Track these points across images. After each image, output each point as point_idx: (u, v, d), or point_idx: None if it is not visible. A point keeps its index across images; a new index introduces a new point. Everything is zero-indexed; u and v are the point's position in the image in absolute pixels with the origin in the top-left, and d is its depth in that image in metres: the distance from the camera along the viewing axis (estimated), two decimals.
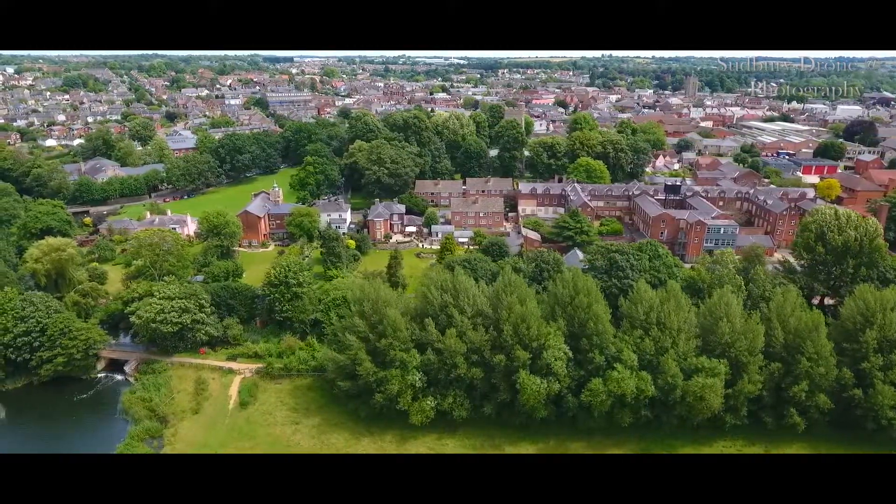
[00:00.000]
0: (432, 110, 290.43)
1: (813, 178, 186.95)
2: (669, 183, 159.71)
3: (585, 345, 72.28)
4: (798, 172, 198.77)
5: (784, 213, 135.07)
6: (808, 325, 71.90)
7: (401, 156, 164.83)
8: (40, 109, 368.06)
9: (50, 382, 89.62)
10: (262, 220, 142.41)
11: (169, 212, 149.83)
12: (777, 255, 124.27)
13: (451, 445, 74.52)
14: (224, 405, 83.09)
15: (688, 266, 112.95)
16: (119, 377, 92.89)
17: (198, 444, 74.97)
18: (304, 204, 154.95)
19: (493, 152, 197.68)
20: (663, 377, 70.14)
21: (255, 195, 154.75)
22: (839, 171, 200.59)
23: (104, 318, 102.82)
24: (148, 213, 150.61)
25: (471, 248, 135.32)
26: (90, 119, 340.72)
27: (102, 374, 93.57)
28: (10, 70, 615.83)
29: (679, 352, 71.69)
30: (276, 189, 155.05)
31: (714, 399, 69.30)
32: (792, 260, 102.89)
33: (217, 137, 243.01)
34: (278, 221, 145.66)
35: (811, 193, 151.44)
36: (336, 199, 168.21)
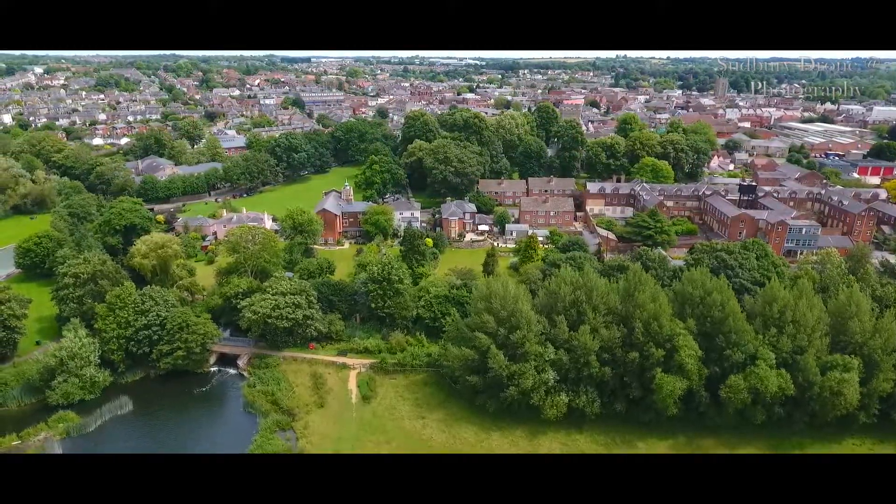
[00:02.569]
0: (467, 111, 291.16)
1: (874, 180, 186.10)
2: (734, 183, 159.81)
3: (721, 342, 72.93)
4: (854, 174, 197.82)
5: (863, 213, 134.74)
6: None
7: (466, 155, 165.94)
8: (79, 109, 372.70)
9: (165, 376, 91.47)
10: (338, 219, 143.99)
11: (244, 209, 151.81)
12: None
13: (580, 441, 75.40)
14: (346, 399, 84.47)
15: None
16: (232, 371, 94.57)
17: (332, 438, 76.36)
18: (371, 203, 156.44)
19: (549, 151, 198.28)
20: (802, 374, 70.63)
21: (326, 193, 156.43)
22: (895, 171, 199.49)
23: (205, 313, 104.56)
24: (224, 211, 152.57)
25: (546, 246, 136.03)
26: (130, 118, 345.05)
27: (215, 369, 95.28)
28: (38, 70, 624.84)
29: (815, 350, 72.08)
30: (348, 188, 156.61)
31: (852, 394, 69.69)
32: (892, 259, 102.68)
33: (265, 137, 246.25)
34: (351, 220, 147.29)
35: (883, 194, 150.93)
36: (397, 198, 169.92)
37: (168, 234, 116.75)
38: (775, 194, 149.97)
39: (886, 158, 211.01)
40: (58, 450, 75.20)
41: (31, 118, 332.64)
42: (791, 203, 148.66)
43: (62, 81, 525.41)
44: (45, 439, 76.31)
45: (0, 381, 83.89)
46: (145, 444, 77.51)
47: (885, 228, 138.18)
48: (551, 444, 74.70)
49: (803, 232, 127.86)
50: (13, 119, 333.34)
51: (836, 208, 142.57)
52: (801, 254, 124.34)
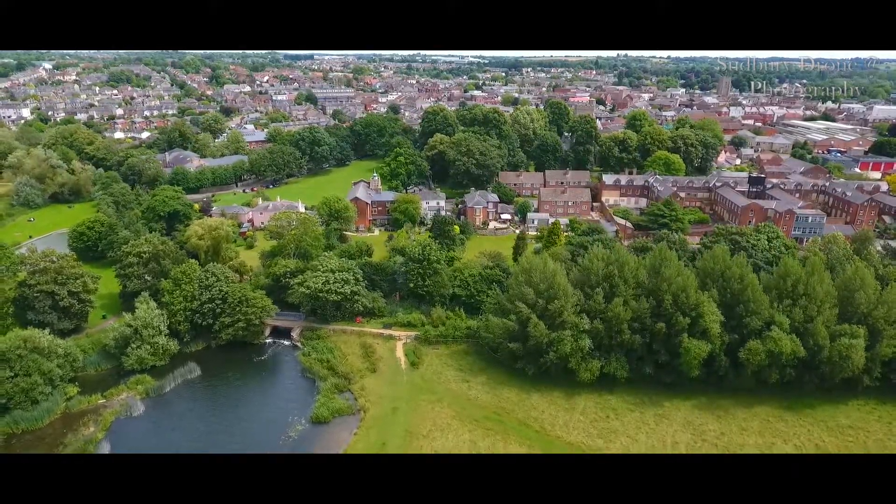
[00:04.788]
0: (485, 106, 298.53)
1: (875, 174, 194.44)
2: (743, 176, 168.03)
3: (741, 311, 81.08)
4: (856, 168, 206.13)
5: (865, 204, 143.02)
6: None
7: (486, 148, 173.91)
8: (95, 104, 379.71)
9: (225, 346, 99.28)
10: (368, 207, 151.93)
11: (279, 198, 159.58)
12: None
13: (612, 400, 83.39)
14: (396, 366, 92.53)
15: None
16: (285, 343, 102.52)
17: (388, 398, 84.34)
18: (396, 193, 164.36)
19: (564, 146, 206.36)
20: (813, 339, 78.77)
21: (356, 184, 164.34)
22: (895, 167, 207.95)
23: None
24: (260, 200, 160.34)
25: (567, 234, 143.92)
26: (147, 113, 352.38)
27: (269, 340, 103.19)
28: (47, 65, 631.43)
29: (824, 318, 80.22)
30: (376, 178, 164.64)
31: (858, 358, 77.81)
32: (894, 245, 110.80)
33: (285, 131, 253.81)
34: (380, 208, 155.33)
35: (885, 187, 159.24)
36: (420, 189, 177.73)
37: (220, 218, 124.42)
38: (782, 186, 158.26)
39: (887, 154, 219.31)
40: (140, 408, 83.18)
41: (49, 112, 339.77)
42: (797, 194, 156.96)
43: (74, 77, 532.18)
44: (128, 398, 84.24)
45: (80, 348, 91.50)
46: (216, 405, 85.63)
47: (887, 218, 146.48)
48: (586, 402, 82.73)
49: (809, 220, 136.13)
50: (31, 113, 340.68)
51: (840, 199, 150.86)
52: (807, 241, 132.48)
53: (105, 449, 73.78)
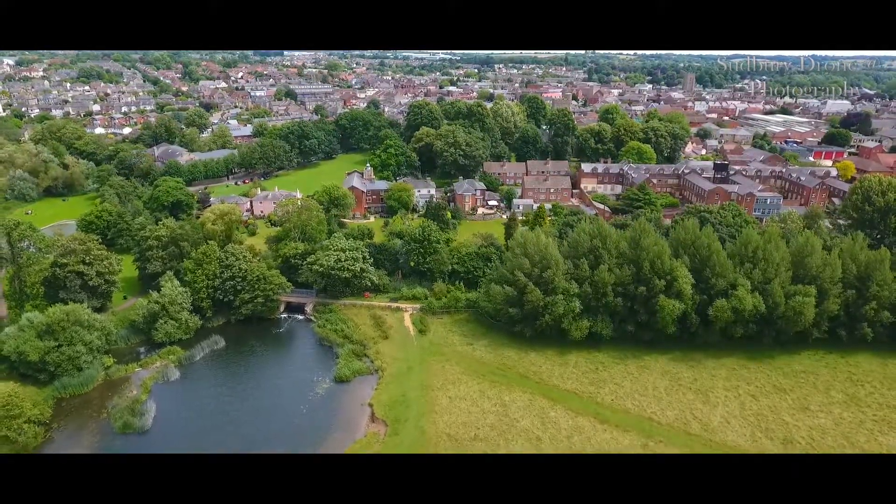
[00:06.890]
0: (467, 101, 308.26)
1: (826, 162, 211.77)
2: (709, 164, 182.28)
3: (708, 274, 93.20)
4: (810, 157, 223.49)
5: (816, 187, 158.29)
6: (876, 260, 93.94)
7: (472, 140, 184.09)
8: (69, 100, 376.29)
9: (243, 321, 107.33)
10: (363, 195, 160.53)
11: (276, 188, 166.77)
12: None
13: (600, 356, 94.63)
14: (406, 333, 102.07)
15: None
16: (299, 317, 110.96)
17: (402, 360, 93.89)
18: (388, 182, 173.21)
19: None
20: (771, 297, 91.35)
21: (349, 174, 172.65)
22: (845, 155, 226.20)
23: None
24: (258, 190, 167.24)
25: (550, 218, 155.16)
26: (125, 109, 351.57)
27: (284, 315, 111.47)
28: (10, 61, 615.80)
29: (780, 280, 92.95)
30: (369, 169, 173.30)
31: (809, 314, 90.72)
32: (841, 222, 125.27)
33: (270, 126, 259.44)
34: (374, 196, 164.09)
35: (834, 172, 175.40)
36: (409, 179, 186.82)
37: (231, 204, 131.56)
38: (744, 173, 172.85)
39: (838, 144, 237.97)
40: (175, 374, 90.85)
41: (23, 109, 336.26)
42: (757, 180, 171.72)
43: (41, 73, 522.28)
44: (164, 366, 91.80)
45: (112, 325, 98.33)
46: (246, 369, 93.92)
47: (836, 200, 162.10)
48: (577, 358, 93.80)
49: (768, 202, 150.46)
50: (4, 109, 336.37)
51: (795, 183, 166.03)
52: (766, 219, 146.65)
53: (151, 408, 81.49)
